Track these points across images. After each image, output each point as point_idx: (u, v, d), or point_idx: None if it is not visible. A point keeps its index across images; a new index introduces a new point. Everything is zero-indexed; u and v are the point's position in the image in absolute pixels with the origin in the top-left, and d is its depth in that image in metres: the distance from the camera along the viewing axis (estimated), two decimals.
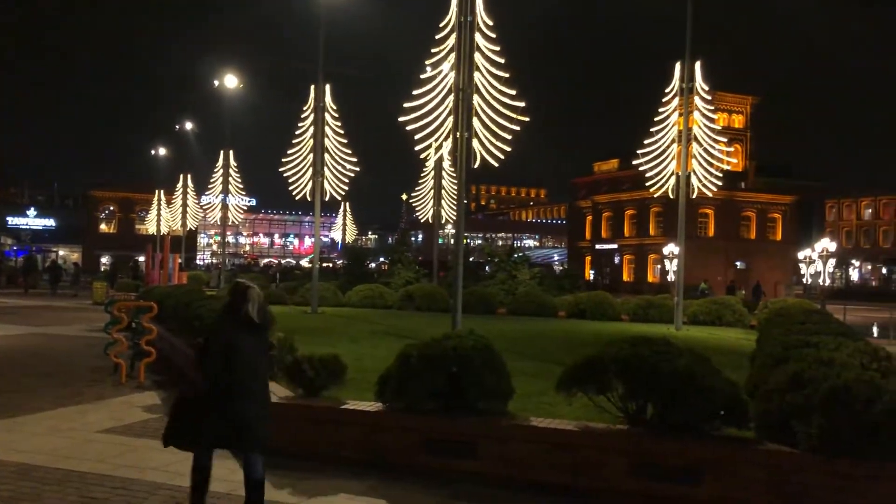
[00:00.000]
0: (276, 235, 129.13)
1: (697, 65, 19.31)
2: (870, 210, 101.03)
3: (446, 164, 29.94)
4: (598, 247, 79.52)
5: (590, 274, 77.57)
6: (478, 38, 14.05)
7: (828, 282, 55.91)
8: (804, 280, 57.37)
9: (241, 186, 39.77)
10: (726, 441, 6.16)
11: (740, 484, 5.94)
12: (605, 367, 6.50)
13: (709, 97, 19.62)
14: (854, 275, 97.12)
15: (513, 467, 6.56)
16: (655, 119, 20.16)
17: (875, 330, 28.14)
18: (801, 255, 60.15)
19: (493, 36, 14.13)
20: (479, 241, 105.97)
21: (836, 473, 5.67)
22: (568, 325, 20.44)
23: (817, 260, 52.01)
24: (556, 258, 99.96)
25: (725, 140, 21.65)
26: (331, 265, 66.72)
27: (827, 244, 49.84)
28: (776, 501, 5.83)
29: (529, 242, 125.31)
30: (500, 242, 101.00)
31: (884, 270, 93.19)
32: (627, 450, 6.27)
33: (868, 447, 5.54)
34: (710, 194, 20.32)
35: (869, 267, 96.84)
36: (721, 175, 20.18)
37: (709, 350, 14.01)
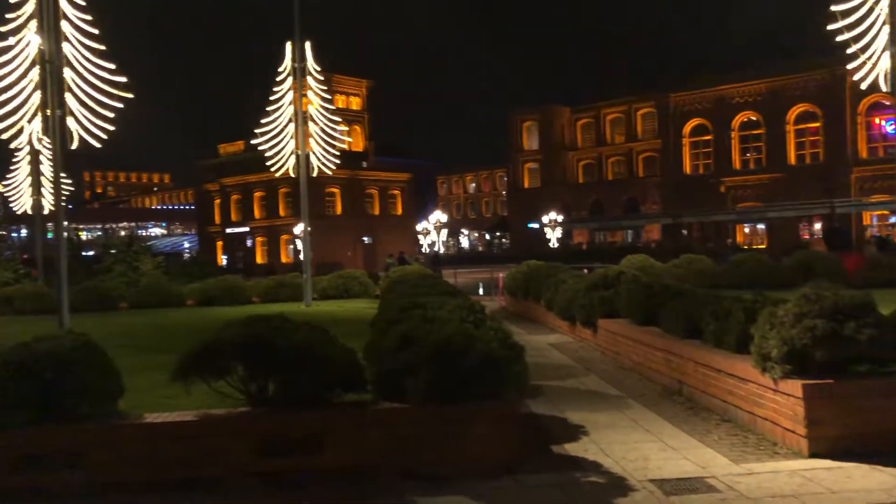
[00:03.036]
0: None
1: (308, 46, 19.67)
2: (473, 184, 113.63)
3: (43, 146, 26.61)
4: (229, 231, 77.95)
5: (222, 259, 75.81)
6: (64, 4, 12.55)
7: (442, 249, 61.78)
8: (423, 249, 62.58)
9: None
10: (346, 406, 6.35)
11: (362, 444, 6.16)
12: (223, 350, 6.27)
13: (321, 78, 20.13)
14: (465, 242, 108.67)
15: (129, 470, 6.03)
16: (271, 99, 20.15)
17: (480, 288, 31.74)
18: (419, 227, 65.70)
19: (83, 4, 12.74)
20: (100, 233, 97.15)
21: (443, 420, 6.16)
22: (196, 313, 19.68)
23: (433, 230, 57.22)
24: (186, 245, 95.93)
25: (340, 120, 22.46)
26: None
27: (439, 216, 55.07)
28: (395, 454, 6.16)
29: (156, 231, 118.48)
30: (124, 232, 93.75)
31: (487, 236, 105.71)
32: (251, 431, 6.14)
33: (466, 393, 6.11)
34: (329, 173, 20.97)
35: (476, 234, 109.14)
36: (340, 154, 20.92)
37: (336, 321, 14.56)
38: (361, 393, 6.53)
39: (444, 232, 61.17)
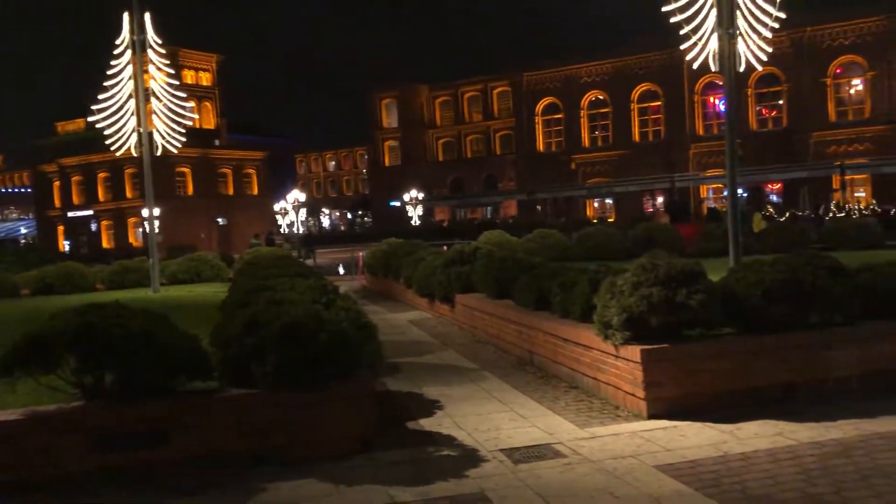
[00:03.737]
0: None
1: (147, 17, 18.53)
2: (333, 162, 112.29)
3: None
4: (70, 214, 73.08)
5: (64, 244, 71.14)
6: None
7: (302, 230, 60.74)
8: (282, 229, 61.23)
9: None
10: (191, 395, 6.08)
11: (209, 433, 5.93)
12: (51, 341, 5.82)
13: (164, 51, 19.04)
14: (326, 221, 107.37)
15: None
16: (109, 73, 18.86)
17: (341, 268, 31.48)
18: (277, 206, 64.17)
19: None
20: None
21: (294, 403, 6.03)
22: (32, 303, 18.30)
23: (291, 210, 56.03)
24: (23, 231, 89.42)
25: (186, 95, 21.34)
26: None
27: (297, 195, 53.96)
28: (245, 441, 5.97)
29: None
30: None
31: (349, 215, 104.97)
32: (84, 426, 5.74)
33: (317, 375, 6.01)
34: (175, 151, 19.96)
35: (337, 213, 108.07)
36: (187, 132, 19.93)
37: (184, 307, 13.99)
38: (208, 380, 6.28)
39: (303, 211, 60.10)
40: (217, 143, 73.94)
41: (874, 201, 44.10)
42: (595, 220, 56.75)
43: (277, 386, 5.96)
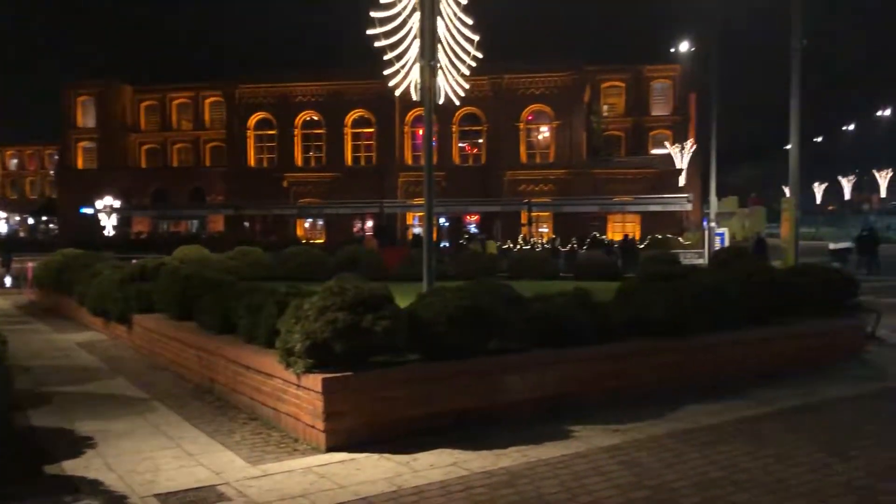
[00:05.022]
0: None
1: None
2: (16, 160, 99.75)
3: None
4: None
5: None
6: None
7: None
8: None
9: None
10: None
11: None
12: None
13: None
14: (2, 227, 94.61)
15: None
16: None
17: (7, 280, 27.60)
18: None
19: None
20: None
21: None
22: None
23: None
24: None
25: None
26: None
27: None
28: None
29: None
30: None
31: (31, 221, 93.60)
32: None
33: None
34: None
35: (18, 218, 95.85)
36: None
37: None
38: None
39: None
40: None
41: (555, 236, 49.06)
42: (304, 241, 56.34)
43: None
